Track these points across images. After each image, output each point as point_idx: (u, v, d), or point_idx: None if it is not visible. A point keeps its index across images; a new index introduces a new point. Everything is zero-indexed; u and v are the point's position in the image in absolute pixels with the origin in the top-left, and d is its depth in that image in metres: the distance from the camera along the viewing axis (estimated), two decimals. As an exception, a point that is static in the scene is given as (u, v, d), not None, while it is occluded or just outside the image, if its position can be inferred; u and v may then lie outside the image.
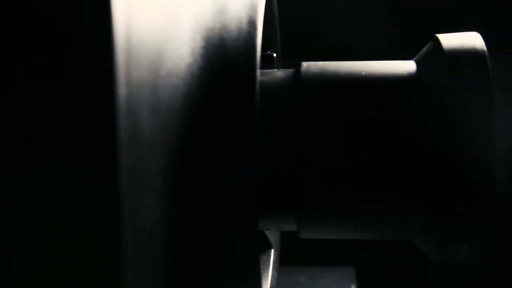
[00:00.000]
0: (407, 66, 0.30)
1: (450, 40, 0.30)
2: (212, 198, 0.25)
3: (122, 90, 0.18)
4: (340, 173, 0.29)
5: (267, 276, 0.36)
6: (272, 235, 0.39)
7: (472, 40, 0.29)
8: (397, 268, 0.67)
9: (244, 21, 0.27)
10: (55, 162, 0.18)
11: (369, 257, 0.66)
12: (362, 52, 0.65)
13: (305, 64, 0.31)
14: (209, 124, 0.25)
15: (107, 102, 0.18)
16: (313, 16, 0.67)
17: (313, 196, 0.30)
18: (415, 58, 0.31)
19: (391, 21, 0.66)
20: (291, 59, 0.32)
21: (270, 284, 0.36)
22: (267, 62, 0.35)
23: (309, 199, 0.30)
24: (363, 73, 0.30)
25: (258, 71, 0.26)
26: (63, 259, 0.18)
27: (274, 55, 0.35)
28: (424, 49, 0.31)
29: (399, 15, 0.66)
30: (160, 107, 0.22)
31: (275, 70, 0.33)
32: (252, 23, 0.27)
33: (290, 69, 0.32)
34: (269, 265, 0.37)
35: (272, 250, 0.38)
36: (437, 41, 0.30)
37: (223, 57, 0.26)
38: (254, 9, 0.27)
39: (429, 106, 0.28)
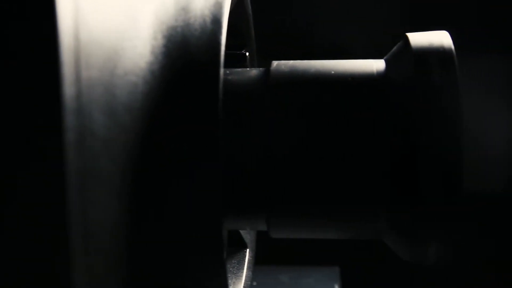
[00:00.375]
0: (376, 65, 0.30)
1: (418, 39, 0.29)
2: (174, 197, 0.25)
3: (68, 89, 0.18)
4: (308, 171, 0.29)
5: (242, 275, 0.36)
6: (248, 235, 0.39)
7: (441, 39, 0.29)
8: (384, 268, 0.67)
9: (208, 19, 0.27)
10: (1, 161, 0.18)
11: (357, 257, 0.66)
12: (357, 52, 0.65)
13: (275, 63, 0.31)
14: (171, 123, 0.25)
15: (51, 101, 0.18)
16: (309, 16, 0.67)
17: (282, 195, 0.29)
18: (385, 57, 0.31)
19: (388, 21, 0.65)
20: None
21: (244, 283, 0.36)
22: (239, 61, 0.35)
23: (278, 198, 0.30)
24: (332, 72, 0.30)
25: (222, 70, 0.26)
26: (10, 259, 0.18)
27: (247, 54, 0.35)
28: (394, 48, 0.31)
29: (396, 15, 0.66)
30: (117, 106, 0.22)
31: (246, 69, 0.32)
32: (216, 22, 0.27)
33: (261, 68, 0.32)
34: (244, 264, 0.37)
35: (247, 250, 0.38)
36: (406, 39, 0.30)
37: (186, 56, 0.26)
38: (219, 7, 0.27)
39: (397, 105, 0.28)
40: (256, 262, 0.60)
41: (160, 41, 0.25)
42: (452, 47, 0.29)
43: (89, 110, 0.19)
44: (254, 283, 0.57)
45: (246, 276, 0.36)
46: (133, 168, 0.23)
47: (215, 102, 0.25)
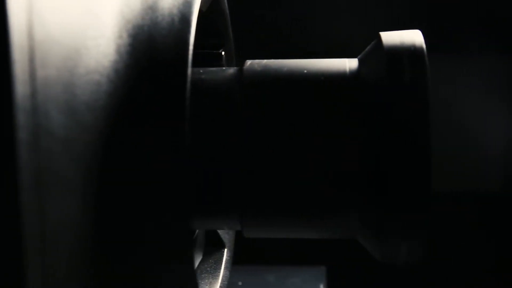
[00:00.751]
0: (350, 64, 0.30)
1: (391, 37, 0.29)
2: (140, 196, 0.25)
3: (21, 87, 0.18)
4: (282, 171, 0.29)
5: (218, 275, 0.36)
6: (226, 235, 0.39)
7: (412, 37, 0.29)
8: (372, 268, 0.67)
9: (177, 18, 0.26)
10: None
11: (344, 256, 0.65)
12: (356, 51, 0.64)
13: (248, 62, 0.31)
14: (136, 121, 0.25)
15: (2, 99, 0.17)
16: (307, 15, 0.66)
17: (256, 194, 0.29)
18: (359, 56, 0.31)
19: (385, 21, 0.65)
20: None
21: (221, 283, 0.36)
22: (215, 60, 0.35)
23: (252, 198, 0.29)
24: (305, 71, 0.30)
25: (190, 68, 0.26)
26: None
27: (223, 53, 0.35)
28: (368, 47, 0.31)
29: (394, 14, 0.66)
30: (78, 105, 0.22)
31: (221, 68, 0.32)
32: (184, 21, 0.26)
33: (235, 67, 0.32)
34: (221, 264, 0.37)
35: (225, 250, 0.38)
36: (379, 38, 0.30)
37: (153, 54, 0.26)
38: (188, 6, 0.27)
39: (368, 105, 0.28)
40: (242, 261, 0.60)
41: (125, 40, 0.24)
42: (424, 45, 0.29)
43: (45, 109, 0.19)
44: (240, 283, 0.57)
45: (223, 276, 0.36)
46: (97, 168, 0.23)
47: (182, 99, 0.25)
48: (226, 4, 0.36)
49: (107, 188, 0.24)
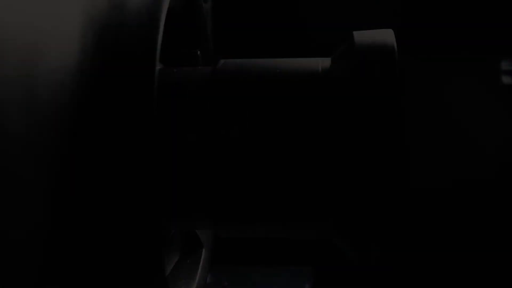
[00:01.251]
0: (322, 63, 0.30)
1: (363, 37, 0.29)
2: (108, 198, 0.25)
3: None
4: (252, 172, 0.29)
5: (196, 275, 0.36)
6: (205, 234, 0.38)
7: (384, 37, 0.29)
8: (360, 268, 0.67)
9: (145, 17, 0.26)
10: None
11: (331, 256, 0.65)
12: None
13: (222, 61, 0.31)
14: (102, 122, 0.25)
15: None
16: (305, 14, 0.66)
17: (227, 195, 0.29)
18: (332, 55, 0.31)
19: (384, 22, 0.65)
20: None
21: (197, 283, 0.35)
22: (191, 60, 0.35)
23: (224, 198, 0.29)
24: (277, 70, 0.30)
25: (158, 67, 0.26)
26: None
27: (199, 52, 0.35)
28: (341, 46, 0.31)
29: (392, 14, 0.66)
30: (40, 105, 0.22)
31: (195, 67, 0.32)
32: (153, 19, 0.26)
33: (208, 67, 0.32)
34: (199, 264, 0.37)
35: (203, 250, 0.38)
36: (351, 37, 0.30)
37: (119, 54, 0.25)
38: (156, 5, 0.27)
39: (339, 103, 0.28)
40: (229, 261, 0.59)
41: (91, 39, 0.24)
42: (395, 44, 0.28)
43: (3, 109, 0.19)
44: (226, 283, 0.57)
45: (200, 276, 0.36)
46: (60, 168, 0.23)
47: (150, 98, 0.25)
48: (203, 3, 0.36)
49: (71, 188, 0.24)
